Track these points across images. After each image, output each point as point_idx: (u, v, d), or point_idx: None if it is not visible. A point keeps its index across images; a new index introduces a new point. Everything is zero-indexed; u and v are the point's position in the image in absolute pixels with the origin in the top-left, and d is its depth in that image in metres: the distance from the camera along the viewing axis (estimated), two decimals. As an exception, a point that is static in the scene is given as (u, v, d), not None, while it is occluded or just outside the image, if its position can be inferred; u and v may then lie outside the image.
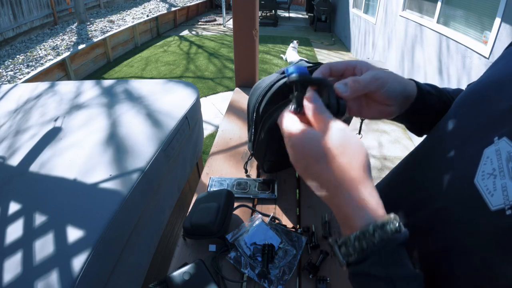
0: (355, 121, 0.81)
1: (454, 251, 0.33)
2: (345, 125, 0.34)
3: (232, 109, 1.16)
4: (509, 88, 0.35)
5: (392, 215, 0.30)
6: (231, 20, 1.54)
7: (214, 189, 0.76)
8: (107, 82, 1.36)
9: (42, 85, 1.37)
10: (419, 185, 0.42)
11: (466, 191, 0.33)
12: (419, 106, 0.47)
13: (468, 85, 0.54)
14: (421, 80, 3.54)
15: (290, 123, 0.36)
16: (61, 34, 6.78)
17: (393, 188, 0.50)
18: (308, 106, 0.35)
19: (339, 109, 0.38)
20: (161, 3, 10.33)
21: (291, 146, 0.35)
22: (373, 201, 0.31)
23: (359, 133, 0.61)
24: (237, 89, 1.33)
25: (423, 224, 0.38)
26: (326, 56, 6.38)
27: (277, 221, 0.68)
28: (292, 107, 0.37)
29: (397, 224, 0.30)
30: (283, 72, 0.74)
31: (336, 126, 0.33)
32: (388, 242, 0.29)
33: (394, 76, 0.44)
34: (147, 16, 7.83)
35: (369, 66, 0.43)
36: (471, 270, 0.31)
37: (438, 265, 0.35)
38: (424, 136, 0.51)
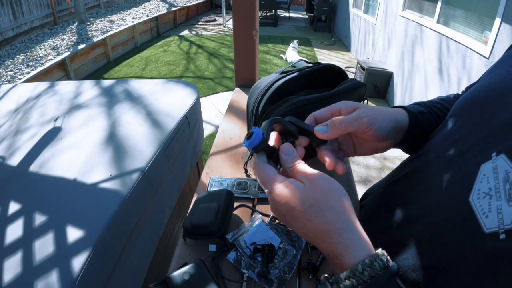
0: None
1: (445, 269, 0.33)
2: (323, 174, 0.35)
3: (232, 109, 1.16)
4: (511, 99, 0.33)
5: (379, 251, 0.31)
6: (231, 20, 1.54)
7: (214, 189, 0.76)
8: (107, 82, 1.36)
9: (42, 85, 1.37)
10: (414, 197, 0.41)
11: (460, 209, 0.32)
12: (414, 131, 0.47)
13: (467, 88, 0.53)
14: (421, 80, 3.55)
15: (269, 175, 0.36)
16: (61, 34, 6.78)
17: (392, 194, 0.49)
18: (283, 159, 0.37)
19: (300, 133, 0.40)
20: (161, 3, 10.33)
21: (272, 199, 0.35)
22: (361, 240, 0.31)
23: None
24: (237, 89, 1.33)
25: (416, 238, 0.37)
26: (326, 56, 6.38)
27: (277, 221, 0.68)
28: (263, 158, 0.38)
29: (385, 260, 0.30)
30: (283, 72, 0.74)
31: (316, 176, 0.34)
32: (377, 279, 0.29)
33: (383, 113, 0.43)
34: (147, 16, 7.83)
35: (356, 105, 0.42)
36: None
37: (428, 281, 0.34)
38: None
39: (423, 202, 0.39)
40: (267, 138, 0.37)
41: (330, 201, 0.32)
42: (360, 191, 0.68)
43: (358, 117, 0.40)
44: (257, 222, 0.65)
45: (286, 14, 10.61)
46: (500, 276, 0.27)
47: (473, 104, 0.39)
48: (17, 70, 4.82)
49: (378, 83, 4.43)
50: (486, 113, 0.36)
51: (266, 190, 0.36)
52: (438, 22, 3.34)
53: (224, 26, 8.52)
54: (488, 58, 2.45)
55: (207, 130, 3.38)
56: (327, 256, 0.33)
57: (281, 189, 0.34)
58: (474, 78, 2.62)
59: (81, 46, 5.19)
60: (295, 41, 5.83)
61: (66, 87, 1.33)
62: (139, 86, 1.31)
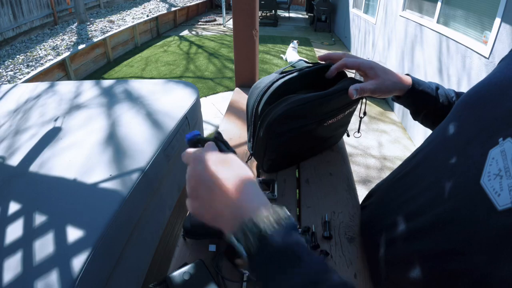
0: (354, 120, 0.81)
1: (460, 252, 0.33)
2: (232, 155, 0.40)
3: (232, 109, 1.16)
4: (510, 89, 0.35)
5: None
6: (231, 20, 1.54)
7: (214, 189, 0.76)
8: (107, 82, 1.37)
9: (42, 85, 1.37)
10: (425, 188, 0.42)
11: (472, 192, 0.33)
12: (410, 97, 0.59)
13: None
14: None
15: (200, 150, 0.40)
16: (61, 34, 6.78)
17: (398, 190, 0.50)
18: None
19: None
20: (161, 3, 10.33)
21: (210, 157, 0.37)
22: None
23: (358, 131, 0.61)
24: (237, 89, 1.33)
25: (430, 226, 0.38)
26: (326, 56, 6.37)
27: (277, 221, 0.68)
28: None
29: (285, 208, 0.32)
30: (282, 72, 0.74)
31: (221, 154, 0.38)
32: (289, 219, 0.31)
33: (393, 82, 0.58)
34: (147, 16, 7.83)
35: (377, 72, 0.58)
36: (475, 269, 0.31)
37: (443, 266, 0.35)
38: (426, 138, 0.52)
39: (434, 192, 0.40)
40: (200, 140, 0.46)
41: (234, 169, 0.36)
42: (360, 191, 0.68)
43: (377, 90, 0.58)
44: (257, 222, 0.65)
45: (286, 14, 10.61)
46: None
47: (475, 98, 0.41)
48: (17, 70, 4.83)
49: (378, 83, 4.42)
50: (488, 105, 0.37)
51: (201, 158, 0.37)
52: (438, 22, 3.34)
53: (224, 26, 8.52)
54: (488, 58, 2.45)
55: (207, 130, 3.38)
56: (233, 208, 0.33)
57: (216, 152, 0.38)
58: (474, 78, 2.62)
59: (81, 46, 5.19)
60: (295, 41, 5.83)
61: (66, 87, 1.33)
62: (139, 86, 1.31)
